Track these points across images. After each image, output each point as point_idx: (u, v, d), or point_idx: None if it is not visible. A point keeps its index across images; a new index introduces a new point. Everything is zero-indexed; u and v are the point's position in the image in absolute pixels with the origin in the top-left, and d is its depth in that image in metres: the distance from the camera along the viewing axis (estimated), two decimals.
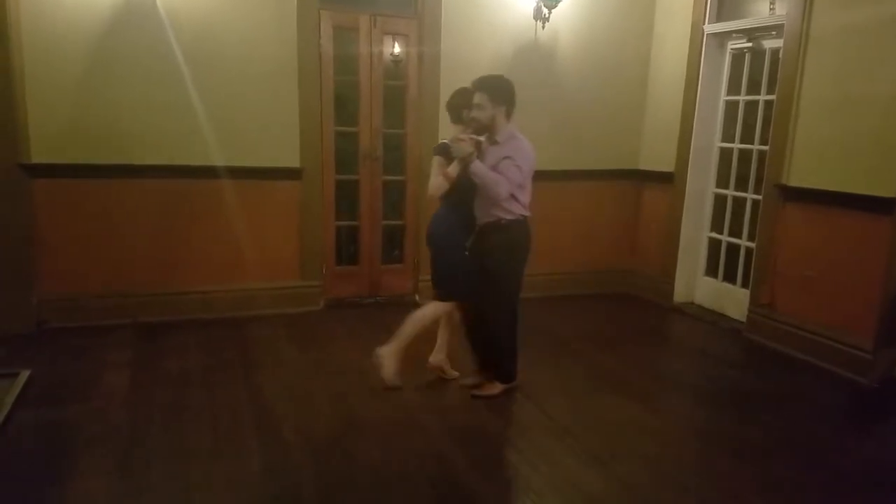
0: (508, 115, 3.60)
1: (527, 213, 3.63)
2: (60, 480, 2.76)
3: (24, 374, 2.81)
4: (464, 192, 3.56)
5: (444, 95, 5.19)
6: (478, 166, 3.45)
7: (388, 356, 3.66)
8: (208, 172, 4.71)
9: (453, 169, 3.51)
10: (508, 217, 3.57)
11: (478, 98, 3.51)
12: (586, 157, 5.78)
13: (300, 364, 3.64)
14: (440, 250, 3.71)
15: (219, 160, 4.72)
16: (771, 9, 4.85)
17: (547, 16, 5.28)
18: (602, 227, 6.00)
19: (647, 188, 5.97)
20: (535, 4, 5.28)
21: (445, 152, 3.56)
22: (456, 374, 3.92)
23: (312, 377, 3.91)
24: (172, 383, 3.77)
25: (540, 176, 5.58)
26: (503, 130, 3.57)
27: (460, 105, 3.63)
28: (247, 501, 2.70)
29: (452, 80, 5.21)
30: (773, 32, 4.82)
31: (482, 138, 3.54)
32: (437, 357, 3.88)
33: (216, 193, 4.78)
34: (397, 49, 5.21)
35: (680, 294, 5.67)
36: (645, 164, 5.94)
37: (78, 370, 3.87)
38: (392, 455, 3.09)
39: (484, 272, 3.61)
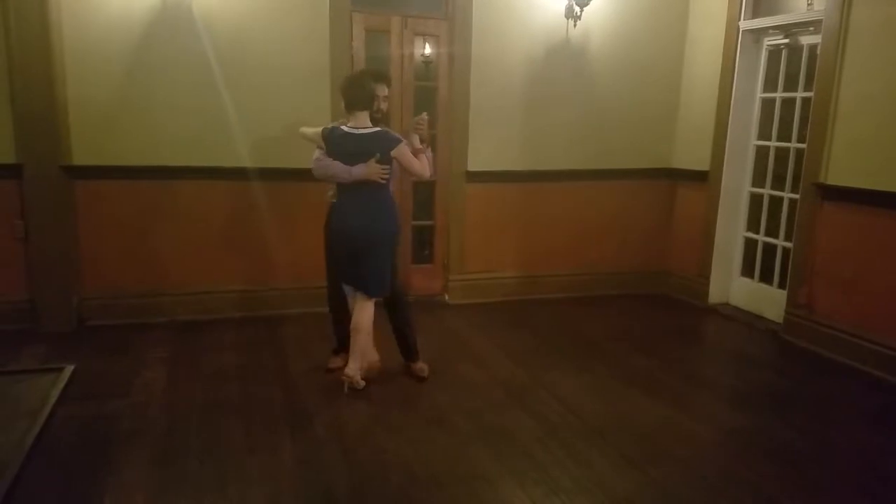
0: None
1: None
2: (101, 472, 2.84)
3: (69, 369, 2.88)
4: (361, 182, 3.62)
5: (475, 96, 5.26)
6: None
7: (357, 373, 3.66)
8: (241, 174, 4.78)
9: (425, 147, 3.74)
10: None
11: (386, 90, 3.75)
12: (619, 156, 5.73)
13: None
14: (381, 247, 3.74)
15: (252, 162, 4.79)
16: (809, 4, 4.75)
17: (579, 14, 5.24)
18: (635, 227, 5.93)
19: (680, 187, 5.89)
20: (566, 3, 5.24)
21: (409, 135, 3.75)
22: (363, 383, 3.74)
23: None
24: (208, 380, 3.84)
25: (571, 175, 5.65)
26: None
27: (370, 94, 3.62)
28: (280, 495, 2.74)
29: (483, 80, 5.25)
30: (811, 28, 4.72)
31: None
32: (371, 359, 3.78)
33: (249, 195, 4.85)
34: (428, 50, 5.23)
35: (715, 295, 5.58)
36: (678, 163, 5.86)
37: (117, 367, 3.97)
38: (422, 453, 3.11)
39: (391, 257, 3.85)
